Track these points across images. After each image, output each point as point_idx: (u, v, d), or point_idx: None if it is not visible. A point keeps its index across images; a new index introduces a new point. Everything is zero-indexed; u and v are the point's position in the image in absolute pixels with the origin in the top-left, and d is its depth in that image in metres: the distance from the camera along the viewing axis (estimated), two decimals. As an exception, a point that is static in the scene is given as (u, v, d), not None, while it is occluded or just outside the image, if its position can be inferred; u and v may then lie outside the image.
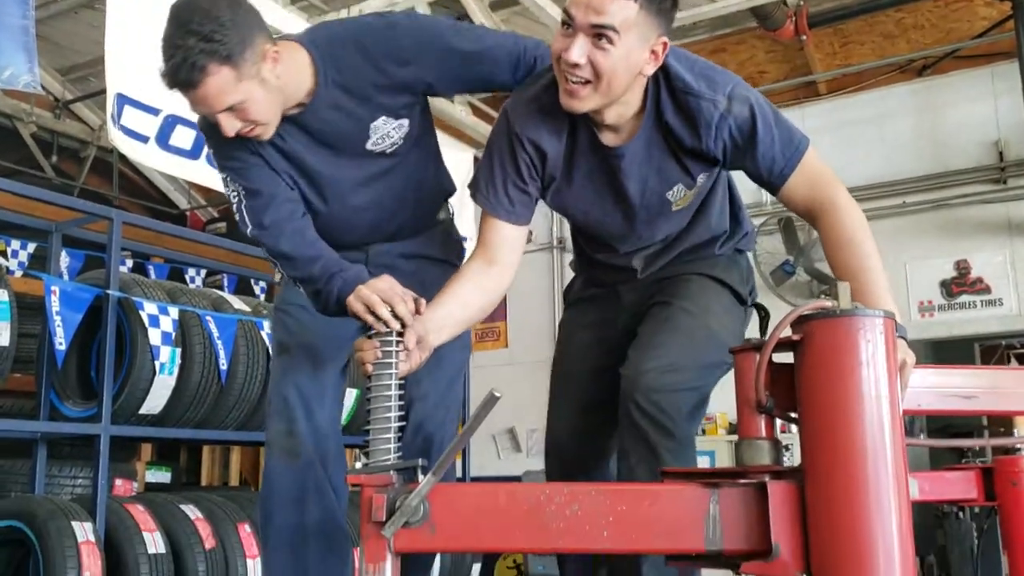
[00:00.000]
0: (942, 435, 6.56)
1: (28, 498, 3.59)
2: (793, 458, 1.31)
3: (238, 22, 1.77)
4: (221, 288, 5.46)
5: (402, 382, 1.64)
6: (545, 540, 1.37)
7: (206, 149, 3.13)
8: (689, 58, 1.81)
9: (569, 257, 2.99)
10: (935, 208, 6.24)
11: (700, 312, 1.95)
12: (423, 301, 1.74)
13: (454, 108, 6.50)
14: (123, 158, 6.42)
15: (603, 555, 2.09)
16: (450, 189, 2.26)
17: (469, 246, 2.15)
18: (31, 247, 5.34)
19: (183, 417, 4.02)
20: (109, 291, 3.75)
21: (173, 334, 3.87)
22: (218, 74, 1.76)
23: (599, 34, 1.62)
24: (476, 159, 5.64)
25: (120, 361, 3.78)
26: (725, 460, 5.94)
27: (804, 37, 6.25)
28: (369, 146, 2.01)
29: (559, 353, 2.23)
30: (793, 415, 1.32)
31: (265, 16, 1.91)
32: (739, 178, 1.96)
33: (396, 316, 1.68)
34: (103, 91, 4.33)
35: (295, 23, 4.60)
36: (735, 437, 1.43)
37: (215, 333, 4.02)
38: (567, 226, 5.02)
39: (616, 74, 1.66)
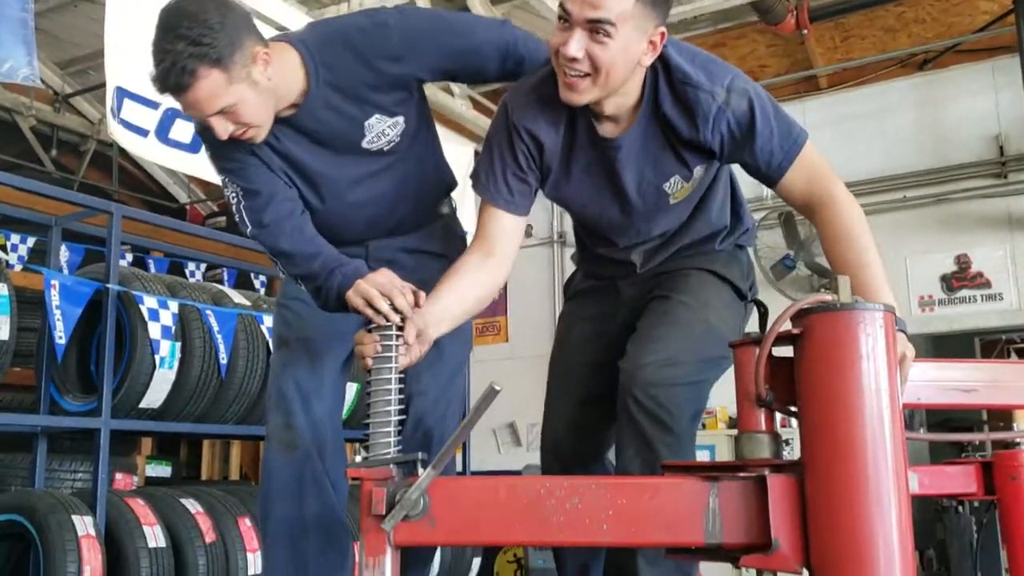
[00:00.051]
0: (942, 429, 6.58)
1: (28, 492, 3.59)
2: (793, 452, 1.31)
3: (227, 25, 1.77)
4: (221, 282, 5.46)
5: (402, 376, 1.64)
6: (545, 533, 1.37)
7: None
8: (691, 50, 1.80)
9: (569, 251, 2.99)
10: (936, 202, 6.24)
11: (699, 306, 1.94)
12: (422, 293, 1.74)
13: (454, 102, 6.48)
14: (123, 152, 6.41)
15: (600, 555, 2.09)
16: (451, 183, 2.26)
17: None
18: (31, 241, 5.33)
19: (183, 411, 4.02)
20: (109, 285, 3.75)
21: (173, 328, 3.87)
22: (208, 77, 1.76)
23: (596, 28, 1.62)
24: (476, 153, 5.63)
25: (120, 355, 3.77)
26: (725, 454, 5.95)
27: (805, 31, 6.25)
28: (365, 144, 2.00)
29: (558, 345, 2.23)
30: (793, 409, 1.32)
31: (265, 10, 1.90)
32: (739, 172, 1.96)
33: (395, 309, 1.68)
34: (103, 85, 4.32)
35: (295, 17, 4.59)
36: (735, 431, 1.43)
37: (215, 327, 4.02)
38: (568, 220, 5.02)
39: (615, 67, 1.66)
